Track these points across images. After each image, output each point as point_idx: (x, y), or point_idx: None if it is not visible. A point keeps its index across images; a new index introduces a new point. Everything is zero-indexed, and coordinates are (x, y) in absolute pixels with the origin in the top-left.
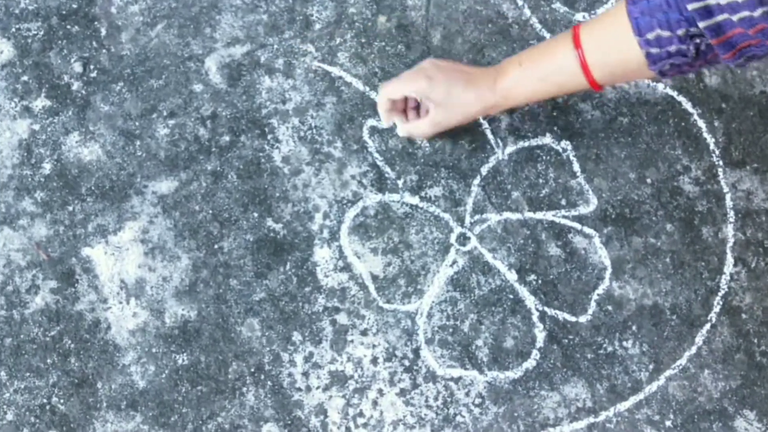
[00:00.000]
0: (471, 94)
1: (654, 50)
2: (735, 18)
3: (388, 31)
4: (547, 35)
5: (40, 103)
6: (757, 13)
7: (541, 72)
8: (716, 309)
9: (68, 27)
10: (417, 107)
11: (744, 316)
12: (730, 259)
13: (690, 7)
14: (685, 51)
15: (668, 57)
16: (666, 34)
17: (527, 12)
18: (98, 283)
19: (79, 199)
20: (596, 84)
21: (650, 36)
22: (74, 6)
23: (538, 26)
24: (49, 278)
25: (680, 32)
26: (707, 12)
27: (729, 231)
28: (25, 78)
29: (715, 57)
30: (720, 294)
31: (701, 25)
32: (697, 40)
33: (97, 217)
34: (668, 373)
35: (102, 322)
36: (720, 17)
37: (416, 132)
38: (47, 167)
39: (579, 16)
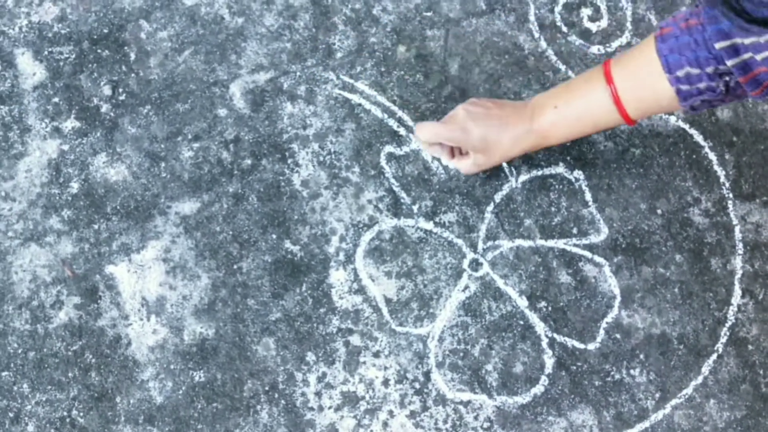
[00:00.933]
0: (507, 139)
1: (684, 87)
2: (758, 57)
3: (407, 61)
4: (562, 67)
5: (69, 124)
6: None
7: (576, 112)
8: (723, 339)
9: (99, 51)
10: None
11: (750, 347)
12: (737, 290)
13: (717, 45)
14: (715, 87)
15: (699, 94)
16: (695, 71)
17: (543, 44)
18: (120, 300)
19: (105, 218)
20: (630, 119)
21: (680, 73)
22: (105, 31)
23: (553, 58)
24: (73, 294)
25: (709, 70)
26: (734, 51)
27: (737, 263)
28: (56, 100)
29: (744, 92)
30: (727, 325)
31: (729, 63)
32: (726, 78)
33: (122, 235)
34: (674, 402)
35: (123, 338)
36: (746, 56)
37: (461, 170)
38: (75, 186)
39: (594, 49)
